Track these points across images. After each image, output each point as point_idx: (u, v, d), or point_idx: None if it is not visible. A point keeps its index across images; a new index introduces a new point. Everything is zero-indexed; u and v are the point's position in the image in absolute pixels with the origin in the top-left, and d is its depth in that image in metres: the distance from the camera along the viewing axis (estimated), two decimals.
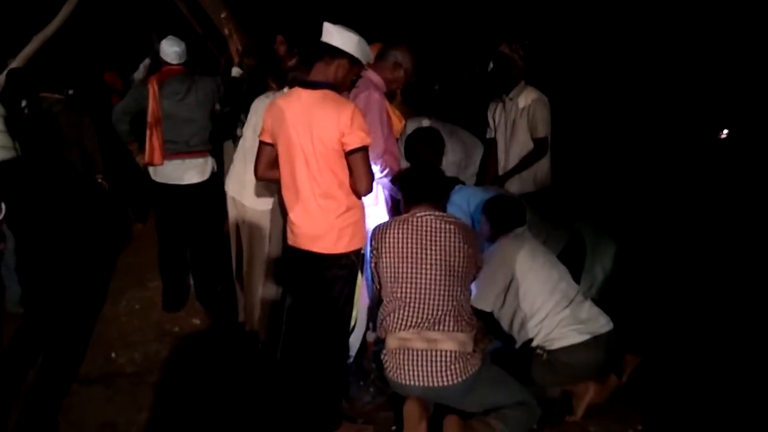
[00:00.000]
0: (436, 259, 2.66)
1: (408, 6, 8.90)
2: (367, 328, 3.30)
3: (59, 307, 4.10)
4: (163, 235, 4.21)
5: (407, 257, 2.69)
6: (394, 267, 2.71)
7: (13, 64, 5.38)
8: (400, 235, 2.72)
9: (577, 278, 3.15)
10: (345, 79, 2.71)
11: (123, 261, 5.17)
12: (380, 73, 3.29)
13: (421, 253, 2.67)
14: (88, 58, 6.71)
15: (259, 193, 3.50)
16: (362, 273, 2.94)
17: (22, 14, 6.46)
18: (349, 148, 2.55)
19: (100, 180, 4.52)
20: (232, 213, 3.72)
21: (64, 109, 4.32)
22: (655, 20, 7.95)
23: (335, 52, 2.62)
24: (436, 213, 2.77)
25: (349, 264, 2.73)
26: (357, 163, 2.57)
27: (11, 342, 3.48)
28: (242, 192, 3.58)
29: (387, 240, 2.74)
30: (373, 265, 2.85)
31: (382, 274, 2.77)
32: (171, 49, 3.92)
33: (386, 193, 3.30)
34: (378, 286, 2.85)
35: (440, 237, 2.69)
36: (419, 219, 2.74)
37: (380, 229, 2.80)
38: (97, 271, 4.83)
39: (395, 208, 3.45)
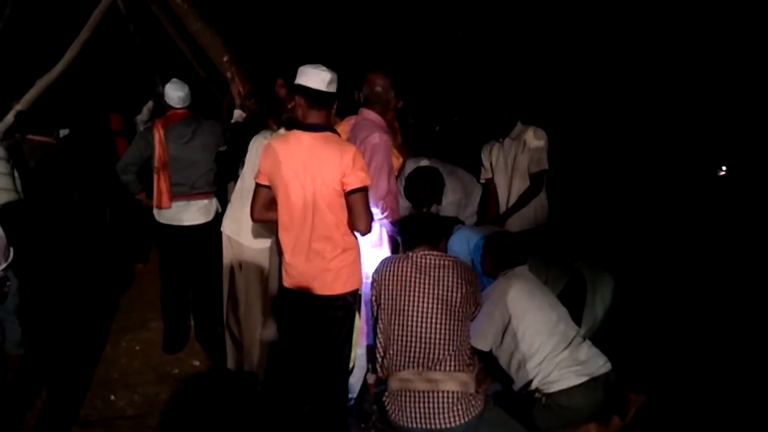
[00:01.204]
0: (434, 296, 2.69)
1: (407, 47, 9.06)
2: (368, 370, 3.29)
3: (59, 348, 4.11)
4: (166, 275, 4.22)
5: (407, 293, 2.72)
6: (394, 303, 2.74)
7: (18, 107, 5.45)
8: (400, 272, 2.76)
9: (578, 318, 3.15)
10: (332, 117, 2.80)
11: (124, 301, 5.16)
12: (378, 111, 3.33)
13: (421, 290, 2.71)
14: (92, 101, 6.80)
15: (256, 232, 3.53)
16: (360, 313, 2.95)
17: (27, 57, 6.56)
18: (349, 188, 2.60)
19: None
20: (228, 252, 3.75)
21: (47, 151, 4.32)
22: (654, 60, 8.09)
23: (326, 96, 2.67)
24: (435, 252, 2.81)
25: (346, 305, 2.76)
26: (357, 202, 2.62)
27: (11, 384, 3.48)
28: (239, 231, 3.62)
29: (387, 276, 2.78)
30: (373, 299, 2.87)
31: (382, 311, 2.79)
32: (176, 93, 3.99)
33: (388, 233, 3.33)
34: (379, 324, 2.86)
35: (439, 274, 2.73)
36: (419, 257, 2.78)
37: (382, 266, 2.84)
38: (98, 311, 4.83)
39: (396, 249, 3.48)
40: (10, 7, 6.52)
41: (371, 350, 3.17)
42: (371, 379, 3.34)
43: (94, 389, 3.74)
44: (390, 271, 2.78)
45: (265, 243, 3.58)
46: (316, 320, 2.76)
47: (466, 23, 8.73)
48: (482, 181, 4.40)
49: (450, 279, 2.71)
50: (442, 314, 2.66)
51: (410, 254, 2.80)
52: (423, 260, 2.77)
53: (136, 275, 5.78)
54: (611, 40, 8.18)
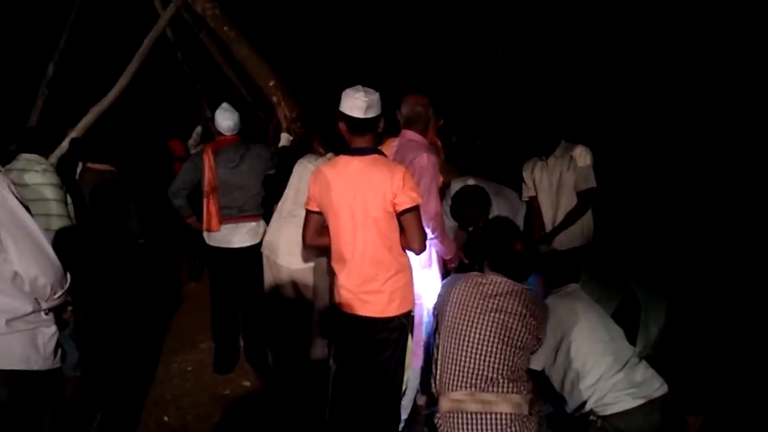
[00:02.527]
0: (496, 321, 2.63)
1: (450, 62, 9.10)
2: (419, 391, 3.28)
3: (113, 370, 4.20)
4: (216, 297, 4.30)
5: (468, 314, 2.68)
6: (454, 321, 2.70)
7: (72, 134, 5.64)
8: (467, 292, 2.72)
9: (632, 338, 3.09)
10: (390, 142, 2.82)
11: (175, 322, 5.27)
12: (419, 131, 3.36)
13: (483, 313, 2.66)
14: (146, 127, 7.02)
15: (292, 252, 3.58)
16: (412, 335, 2.94)
17: (81, 86, 6.80)
18: (401, 208, 2.61)
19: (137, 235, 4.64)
20: (267, 272, 3.80)
21: (105, 179, 4.46)
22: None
23: (372, 120, 2.69)
24: (505, 278, 2.76)
25: (399, 327, 2.75)
26: (410, 222, 2.64)
27: (67, 405, 3.56)
28: (276, 251, 3.67)
29: (453, 294, 2.75)
30: (436, 313, 2.86)
31: (442, 328, 2.76)
32: (225, 120, 4.08)
33: (438, 254, 3.33)
34: (437, 339, 2.84)
35: (505, 301, 2.67)
36: (490, 279, 2.74)
37: (450, 283, 2.83)
38: (150, 333, 4.94)
39: (444, 268, 3.48)
40: (65, 39, 6.80)
41: (423, 372, 3.17)
42: (421, 400, 3.33)
43: (147, 410, 3.81)
44: (457, 290, 2.75)
45: (301, 263, 3.63)
46: (369, 343, 2.76)
47: (508, 41, 8.74)
48: (525, 199, 4.38)
49: (515, 308, 2.66)
50: (500, 341, 2.61)
51: (480, 278, 2.77)
52: (493, 285, 2.72)
53: (187, 296, 5.89)
54: (654, 54, 8.07)
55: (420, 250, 2.69)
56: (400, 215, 2.64)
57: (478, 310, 2.67)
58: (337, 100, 2.74)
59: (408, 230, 2.65)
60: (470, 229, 3.71)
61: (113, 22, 8.02)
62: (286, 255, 3.66)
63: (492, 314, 2.65)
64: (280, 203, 3.82)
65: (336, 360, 2.96)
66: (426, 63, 9.15)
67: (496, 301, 2.67)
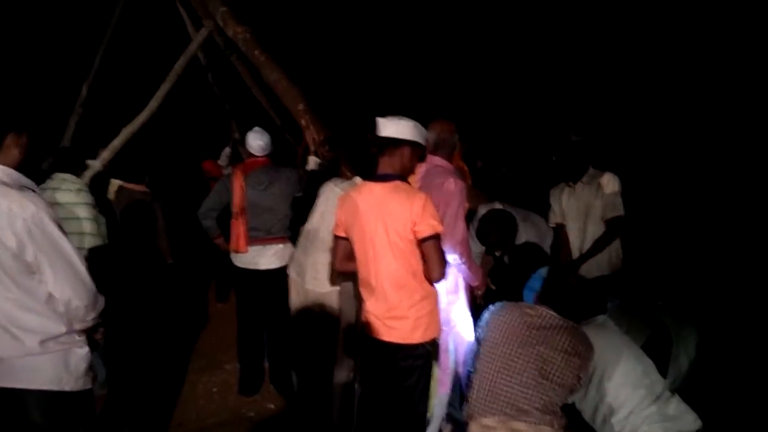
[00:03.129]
0: (537, 353, 2.60)
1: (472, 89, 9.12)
2: (444, 420, 3.25)
3: (139, 388, 4.23)
4: (242, 318, 4.32)
5: (511, 342, 2.64)
6: (495, 347, 2.67)
7: (104, 154, 5.73)
8: (513, 321, 2.70)
9: (663, 371, 3.03)
10: (410, 165, 2.80)
11: (201, 342, 5.29)
12: (446, 157, 3.38)
13: (526, 344, 2.62)
14: (177, 147, 7.14)
15: (318, 275, 3.59)
16: (437, 362, 2.92)
17: (112, 106, 6.93)
18: (421, 236, 2.61)
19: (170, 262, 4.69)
20: (293, 294, 3.82)
21: (139, 199, 4.53)
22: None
23: (397, 143, 2.72)
24: (555, 313, 2.73)
25: (424, 354, 2.74)
26: (430, 250, 2.63)
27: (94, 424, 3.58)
28: (302, 273, 3.68)
29: (499, 321, 2.73)
30: (478, 335, 2.84)
31: (482, 352, 2.73)
32: (256, 142, 4.13)
33: (464, 279, 3.32)
34: (476, 363, 2.81)
35: (551, 335, 2.64)
36: (538, 311, 2.71)
37: (496, 310, 2.80)
38: (176, 352, 4.97)
39: (471, 294, 3.46)
40: (99, 61, 6.96)
41: (448, 399, 3.14)
42: (447, 429, 3.29)
43: (172, 430, 3.84)
44: (503, 316, 2.73)
45: (327, 286, 3.64)
46: (394, 369, 2.75)
47: (534, 65, 8.75)
48: (552, 225, 4.34)
49: (560, 344, 2.62)
50: (539, 374, 2.57)
51: (528, 308, 2.74)
52: (540, 316, 2.69)
53: (213, 317, 5.92)
54: (683, 82, 8.00)
55: (439, 278, 2.68)
56: (420, 243, 2.64)
57: (522, 341, 2.64)
58: (365, 124, 2.77)
59: (428, 258, 2.65)
60: (497, 254, 3.69)
61: (146, 45, 8.19)
62: (312, 278, 3.68)
63: (536, 347, 2.61)
64: (306, 225, 3.84)
65: (362, 384, 2.96)
66: (452, 88, 9.19)
67: (541, 334, 2.64)
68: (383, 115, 2.76)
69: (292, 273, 3.85)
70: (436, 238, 2.64)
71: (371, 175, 2.80)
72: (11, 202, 2.04)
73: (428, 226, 2.61)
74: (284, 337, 4.26)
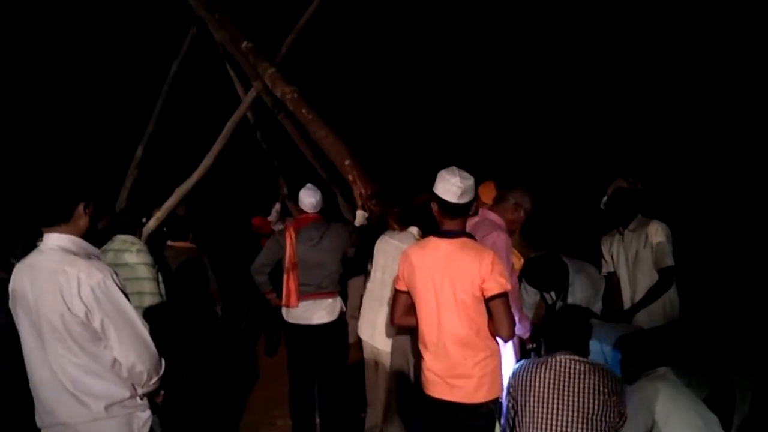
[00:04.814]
0: (574, 405, 2.57)
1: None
2: None
3: None
4: (294, 373, 4.33)
5: (545, 401, 2.63)
6: (531, 410, 2.65)
7: (158, 214, 5.92)
8: (539, 378, 2.68)
9: (727, 425, 2.93)
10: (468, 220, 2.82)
11: (252, 397, 5.32)
12: (501, 214, 3.39)
13: (559, 398, 2.60)
14: (224, 204, 7.32)
15: (390, 335, 3.59)
16: (499, 422, 2.88)
17: (166, 169, 7.17)
18: (489, 294, 2.59)
19: (217, 310, 4.74)
20: (366, 355, 3.82)
21: (189, 257, 4.60)
22: None
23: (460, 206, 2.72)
24: (577, 357, 2.71)
25: (487, 413, 2.70)
26: (498, 308, 2.60)
27: None
28: (373, 335, 3.69)
29: (525, 381, 2.70)
30: (510, 405, 2.81)
31: (519, 418, 2.70)
32: (308, 199, 4.21)
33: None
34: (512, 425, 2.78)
35: (580, 381, 2.61)
36: (559, 362, 2.69)
37: (519, 370, 2.78)
38: (227, 407, 4.99)
39: (521, 347, 3.42)
40: (153, 124, 7.26)
41: None
42: None
43: None
44: (529, 376, 2.71)
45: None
46: (456, 429, 2.71)
47: (577, 108, 8.72)
48: (604, 274, 4.28)
49: (591, 387, 2.59)
50: (581, 425, 2.54)
51: (549, 359, 2.72)
52: (563, 365, 2.68)
53: (263, 371, 5.96)
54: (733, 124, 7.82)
55: (508, 337, 2.65)
56: (488, 301, 2.62)
57: (555, 397, 2.61)
58: (413, 177, 2.80)
59: (496, 317, 2.62)
60: (550, 296, 3.68)
61: (198, 108, 8.50)
62: (385, 339, 3.71)
63: (570, 398, 2.58)
64: (369, 284, 3.88)
65: None
66: (497, 134, 9.19)
67: (571, 384, 2.61)
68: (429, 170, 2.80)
69: (363, 335, 3.87)
70: (505, 296, 2.62)
71: (436, 231, 2.81)
72: (79, 270, 2.13)
73: (497, 283, 2.59)
74: (335, 391, 4.25)
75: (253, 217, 6.80)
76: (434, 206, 2.75)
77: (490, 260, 2.60)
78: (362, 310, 3.89)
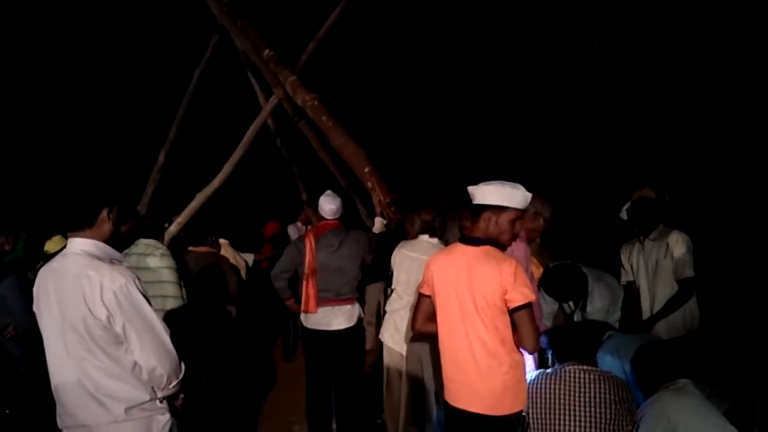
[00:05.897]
0: (585, 415, 2.57)
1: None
2: None
3: None
4: (312, 378, 4.36)
5: (556, 412, 2.63)
6: (544, 422, 2.64)
7: (179, 219, 5.97)
8: (550, 389, 2.68)
9: None
10: (507, 231, 2.70)
11: (269, 402, 5.34)
12: (521, 223, 3.38)
13: (570, 408, 2.61)
14: (244, 210, 7.38)
15: (408, 340, 3.60)
16: None
17: (188, 174, 7.24)
18: (513, 305, 2.54)
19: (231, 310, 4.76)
20: (388, 362, 3.84)
21: (209, 262, 4.61)
22: None
23: (490, 209, 2.67)
24: (585, 366, 2.71)
25: (510, 426, 2.62)
26: (522, 319, 2.54)
27: None
28: (400, 342, 3.70)
29: (536, 393, 2.70)
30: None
31: (530, 430, 2.70)
32: (328, 206, 4.25)
33: None
34: None
35: (590, 391, 2.61)
36: (567, 372, 2.69)
37: (531, 383, 2.77)
38: (244, 412, 5.02)
39: (541, 357, 3.40)
40: (175, 130, 7.34)
41: None
42: None
43: None
44: (539, 388, 2.70)
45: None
46: None
47: (598, 117, 8.68)
48: (623, 283, 4.25)
49: (602, 396, 2.59)
50: None
51: (560, 369, 2.71)
52: (573, 375, 2.67)
53: (280, 376, 5.98)
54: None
55: (533, 349, 2.58)
56: (512, 312, 2.56)
57: (567, 407, 2.60)
58: (432, 185, 2.81)
59: (521, 328, 2.55)
60: (569, 306, 3.66)
61: (219, 115, 8.59)
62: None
63: (581, 408, 2.58)
64: (393, 294, 3.90)
65: None
66: (517, 143, 9.17)
67: (581, 394, 2.60)
68: (449, 175, 2.80)
69: (388, 341, 3.91)
70: (529, 306, 2.55)
71: (462, 237, 2.80)
72: (102, 275, 2.17)
73: (521, 294, 2.52)
74: (352, 397, 4.27)
75: (268, 221, 6.85)
76: (465, 212, 2.75)
77: (512, 270, 2.53)
78: (386, 318, 3.94)
